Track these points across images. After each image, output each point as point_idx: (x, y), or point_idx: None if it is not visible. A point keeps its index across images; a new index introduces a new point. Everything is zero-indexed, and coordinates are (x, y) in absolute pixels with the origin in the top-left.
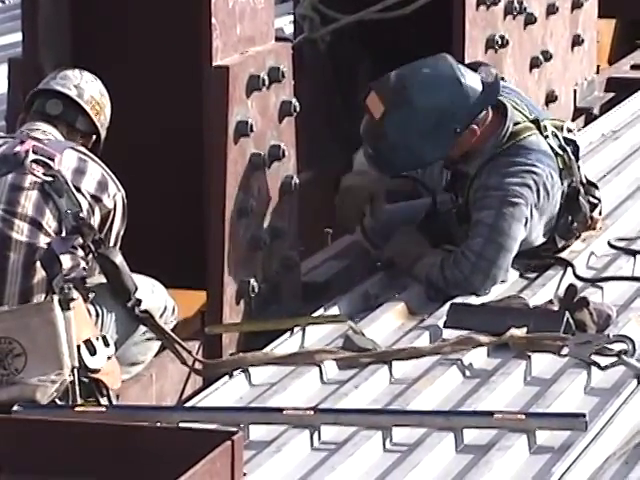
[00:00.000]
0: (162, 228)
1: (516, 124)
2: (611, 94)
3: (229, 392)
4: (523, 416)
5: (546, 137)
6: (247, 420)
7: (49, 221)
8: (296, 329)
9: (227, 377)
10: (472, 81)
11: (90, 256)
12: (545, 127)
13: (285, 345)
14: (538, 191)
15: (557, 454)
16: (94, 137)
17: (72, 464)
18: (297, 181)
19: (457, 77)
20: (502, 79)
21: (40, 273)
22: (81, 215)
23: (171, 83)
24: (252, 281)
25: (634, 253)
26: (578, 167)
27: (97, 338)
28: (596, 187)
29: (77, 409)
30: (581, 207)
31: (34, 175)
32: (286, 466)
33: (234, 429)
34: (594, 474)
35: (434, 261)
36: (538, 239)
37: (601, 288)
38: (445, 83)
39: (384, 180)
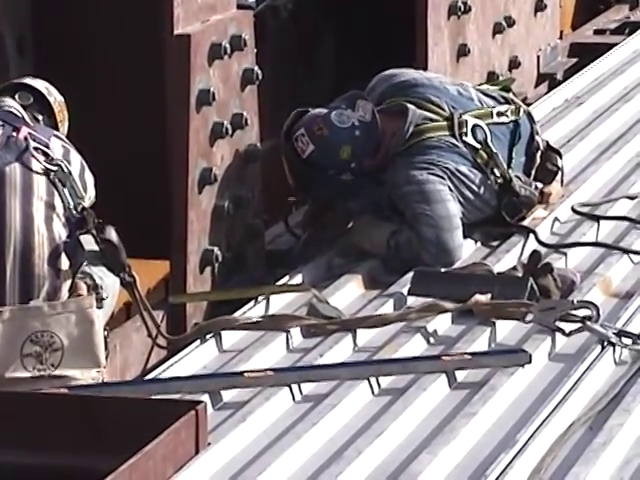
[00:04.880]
0: (124, 198)
1: (420, 124)
2: (574, 59)
3: (193, 361)
4: (469, 356)
5: (463, 134)
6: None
7: (59, 210)
8: (260, 298)
9: (191, 347)
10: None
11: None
12: (463, 123)
13: (249, 314)
14: (450, 178)
15: (521, 420)
16: None
17: (36, 436)
18: (260, 149)
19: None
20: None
21: (64, 263)
22: (83, 204)
23: (131, 51)
24: (216, 250)
25: (597, 218)
26: (539, 141)
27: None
28: (558, 154)
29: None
30: (518, 192)
31: (40, 163)
32: (251, 434)
33: (198, 399)
34: (559, 439)
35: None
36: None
37: (565, 254)
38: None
39: None
